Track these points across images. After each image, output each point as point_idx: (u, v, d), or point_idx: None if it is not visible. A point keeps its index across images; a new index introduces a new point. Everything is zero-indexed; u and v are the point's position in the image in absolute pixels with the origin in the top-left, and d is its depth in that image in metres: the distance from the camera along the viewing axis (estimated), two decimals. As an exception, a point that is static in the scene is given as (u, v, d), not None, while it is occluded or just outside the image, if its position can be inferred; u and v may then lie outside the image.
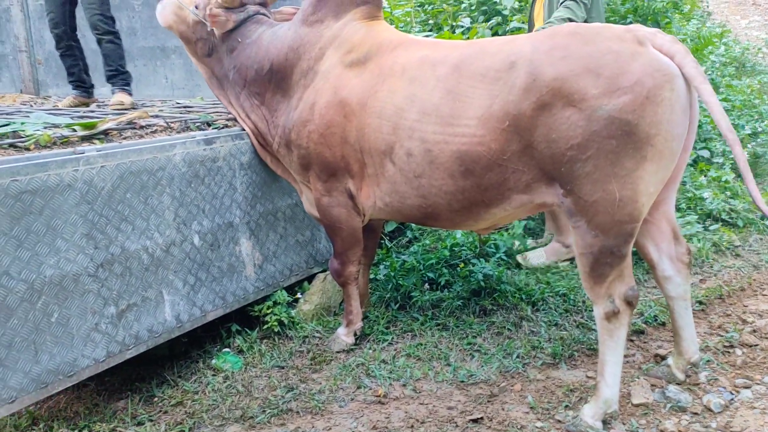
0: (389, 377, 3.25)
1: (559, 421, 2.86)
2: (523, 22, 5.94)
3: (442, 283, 4.09)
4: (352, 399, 3.12)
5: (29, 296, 2.59)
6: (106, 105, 4.80)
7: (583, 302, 3.89)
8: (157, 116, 3.83)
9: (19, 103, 5.70)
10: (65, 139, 3.03)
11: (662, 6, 7.05)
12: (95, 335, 2.85)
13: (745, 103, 7.01)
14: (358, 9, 3.26)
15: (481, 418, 2.90)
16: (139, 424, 2.99)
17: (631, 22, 6.36)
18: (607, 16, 6.63)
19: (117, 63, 4.65)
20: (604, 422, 2.76)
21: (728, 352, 3.37)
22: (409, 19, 6.74)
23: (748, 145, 6.29)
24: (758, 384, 3.05)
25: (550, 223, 4.66)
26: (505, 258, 4.34)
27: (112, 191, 2.89)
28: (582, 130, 2.49)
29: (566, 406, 2.95)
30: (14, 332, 2.55)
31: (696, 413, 2.87)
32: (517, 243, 4.51)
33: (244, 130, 3.62)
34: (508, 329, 3.67)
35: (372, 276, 4.08)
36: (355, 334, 3.57)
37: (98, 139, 3.15)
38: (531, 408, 2.97)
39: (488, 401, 3.04)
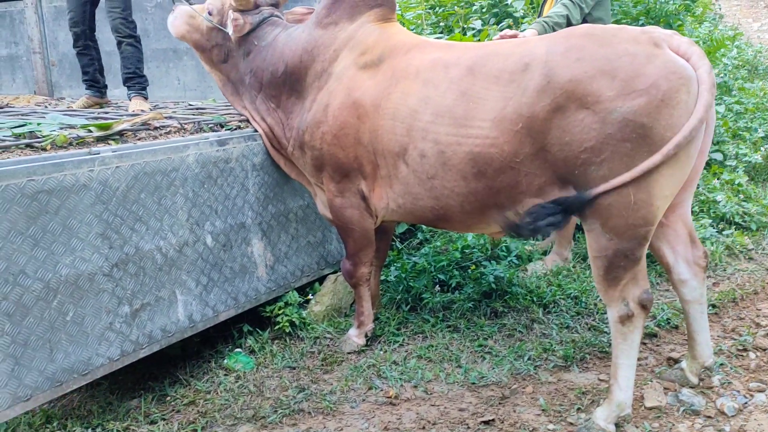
0: (400, 378, 3.25)
1: (572, 424, 2.85)
2: (534, 24, 5.92)
3: (453, 285, 4.09)
4: (364, 400, 3.12)
5: (45, 295, 2.61)
6: (120, 107, 4.84)
7: (595, 305, 3.88)
8: (170, 117, 3.85)
9: (33, 104, 5.75)
10: (81, 140, 3.06)
11: (674, 8, 7.02)
12: (109, 334, 2.87)
13: (758, 106, 6.96)
14: (372, 11, 3.27)
15: (493, 420, 2.90)
16: (152, 422, 3.01)
17: (643, 24, 6.34)
18: (619, 18, 6.61)
19: (135, 66, 4.70)
20: (617, 425, 2.75)
21: (742, 355, 3.36)
22: (420, 22, 6.75)
23: (761, 148, 6.24)
24: (772, 388, 3.03)
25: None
26: (516, 261, 4.33)
27: (126, 191, 2.91)
28: (596, 133, 2.48)
29: (578, 409, 2.95)
30: (30, 331, 2.57)
31: (709, 417, 2.86)
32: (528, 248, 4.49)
33: (256, 131, 3.63)
34: (520, 331, 3.66)
35: (383, 277, 4.08)
36: (366, 336, 3.58)
37: (113, 139, 3.17)
38: (543, 410, 2.96)
39: (500, 403, 3.04)
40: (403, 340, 3.63)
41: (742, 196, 5.24)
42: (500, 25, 6.38)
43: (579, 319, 3.77)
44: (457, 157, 2.81)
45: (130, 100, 4.68)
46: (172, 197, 3.12)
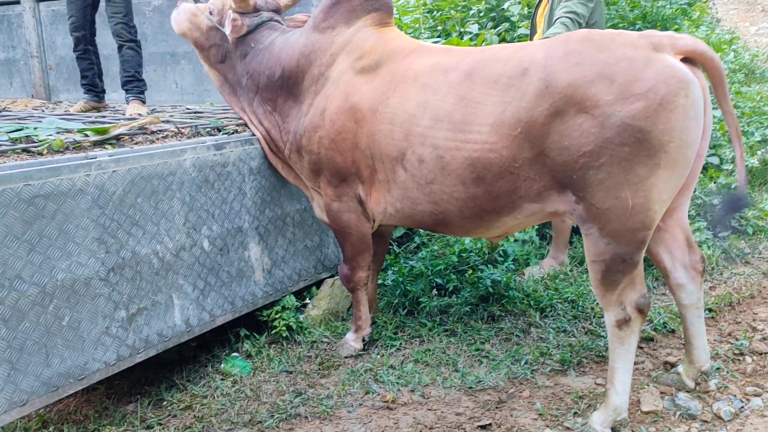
0: (397, 383, 3.25)
1: (568, 428, 2.85)
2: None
3: (450, 289, 4.09)
4: (361, 404, 3.12)
5: (41, 300, 2.61)
6: (118, 111, 4.84)
7: (592, 308, 3.88)
8: (167, 121, 3.85)
9: (30, 108, 5.75)
10: (77, 144, 3.06)
11: (671, 12, 7.05)
12: (106, 339, 2.86)
13: (754, 110, 6.97)
14: (370, 16, 3.27)
15: (490, 424, 2.90)
16: (149, 427, 3.01)
17: (640, 28, 6.36)
18: (616, 22, 6.64)
19: (135, 70, 4.73)
20: (614, 429, 2.75)
21: (738, 359, 3.36)
22: (417, 26, 6.76)
23: (758, 152, 6.25)
24: (769, 392, 3.03)
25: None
26: (513, 265, 4.34)
27: (123, 196, 2.91)
28: (595, 137, 2.48)
29: (575, 413, 2.94)
30: (26, 336, 2.57)
31: (706, 421, 2.86)
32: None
33: (254, 135, 3.63)
34: (517, 335, 3.66)
35: (380, 281, 4.08)
36: (363, 340, 3.58)
37: (110, 144, 3.17)
38: (539, 414, 2.96)
39: (497, 407, 3.04)
40: (401, 344, 3.63)
41: (738, 200, 5.24)
42: (497, 29, 6.39)
43: (576, 323, 3.77)
44: (456, 162, 2.81)
45: (128, 103, 4.69)
46: (169, 201, 3.12)
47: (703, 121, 2.55)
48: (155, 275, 3.07)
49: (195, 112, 4.65)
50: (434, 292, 4.12)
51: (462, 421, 2.93)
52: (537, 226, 4.87)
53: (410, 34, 6.38)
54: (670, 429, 2.80)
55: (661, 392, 3.06)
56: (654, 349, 3.51)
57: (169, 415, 3.12)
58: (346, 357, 3.52)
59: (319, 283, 4.07)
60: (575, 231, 4.77)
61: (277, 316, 3.70)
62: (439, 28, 6.83)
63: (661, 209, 2.60)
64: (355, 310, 3.58)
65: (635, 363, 3.10)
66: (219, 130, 3.71)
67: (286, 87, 3.42)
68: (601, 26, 4.40)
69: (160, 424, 3.03)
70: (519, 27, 6.26)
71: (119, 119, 4.04)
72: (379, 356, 3.50)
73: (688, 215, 4.85)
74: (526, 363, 3.37)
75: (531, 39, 4.77)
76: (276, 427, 2.97)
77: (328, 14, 3.32)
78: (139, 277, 2.99)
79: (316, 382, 3.31)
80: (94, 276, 2.80)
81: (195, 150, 3.26)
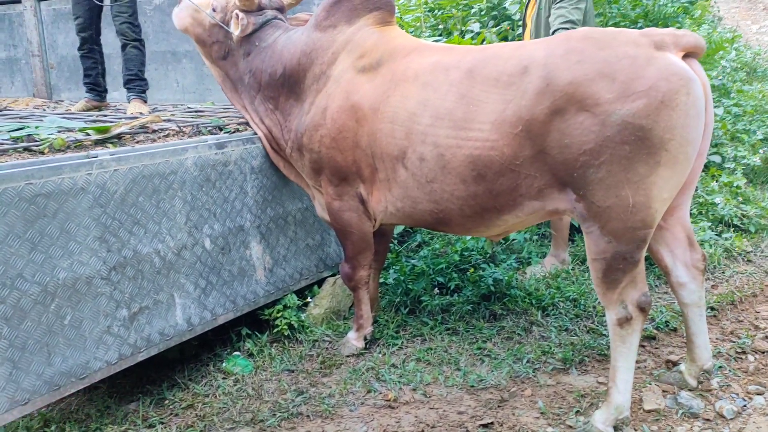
0: (399, 381, 3.25)
1: (570, 427, 2.85)
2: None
3: (452, 288, 4.09)
4: (363, 403, 3.12)
5: (43, 299, 2.61)
6: (119, 110, 4.84)
7: (594, 307, 3.88)
8: (169, 120, 3.85)
9: (32, 107, 5.75)
10: (79, 143, 3.06)
11: (673, 11, 7.03)
12: (107, 338, 2.86)
13: (756, 108, 6.97)
14: (371, 14, 3.27)
15: (492, 423, 2.90)
16: (150, 426, 3.01)
17: (642, 27, 6.35)
18: (618, 21, 6.62)
19: (138, 69, 4.73)
20: (616, 428, 2.75)
21: (741, 358, 3.35)
22: (418, 24, 6.76)
23: (760, 150, 6.25)
24: (771, 391, 3.03)
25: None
26: (514, 263, 4.33)
27: (124, 195, 2.91)
28: (595, 136, 2.48)
29: (577, 412, 2.94)
30: (28, 335, 2.57)
31: (708, 420, 2.85)
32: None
33: (255, 134, 3.63)
34: (519, 334, 3.66)
35: (382, 280, 4.08)
36: (365, 339, 3.58)
37: (111, 143, 3.17)
38: (542, 413, 2.96)
39: (499, 406, 3.04)
40: (402, 343, 3.63)
41: (740, 199, 5.24)
42: (498, 28, 6.39)
43: (578, 321, 3.77)
44: (457, 161, 2.81)
45: (129, 102, 4.69)
46: (171, 200, 3.12)
47: (705, 119, 2.55)
48: (157, 274, 3.07)
49: (196, 111, 4.65)
50: (436, 290, 4.12)
51: (464, 420, 2.93)
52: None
53: (411, 32, 6.38)
54: (672, 428, 2.80)
55: (664, 391, 3.06)
56: (656, 348, 3.51)
57: (171, 413, 3.12)
58: (347, 356, 3.52)
59: (320, 282, 4.07)
60: (578, 229, 4.77)
61: (278, 315, 3.70)
62: (441, 26, 6.83)
63: (662, 208, 2.59)
64: (357, 309, 3.58)
65: (637, 361, 3.10)
66: (220, 129, 3.70)
67: (287, 85, 3.42)
68: (590, 26, 4.39)
69: (162, 423, 3.03)
70: (519, 26, 6.25)
71: (120, 118, 4.04)
72: (380, 355, 3.50)
73: (691, 214, 4.88)
74: (528, 362, 3.37)
75: (522, 36, 4.80)
76: (278, 425, 2.97)
77: (329, 13, 3.31)
78: (141, 276, 2.99)
79: (317, 381, 3.31)
80: (95, 275, 2.80)
81: (196, 149, 3.26)
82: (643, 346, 3.48)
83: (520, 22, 6.22)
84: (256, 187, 3.59)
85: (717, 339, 3.55)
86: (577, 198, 2.62)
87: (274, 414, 3.03)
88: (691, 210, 4.96)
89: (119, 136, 3.25)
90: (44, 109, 5.23)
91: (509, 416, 2.94)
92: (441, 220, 3.05)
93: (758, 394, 3.02)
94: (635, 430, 2.80)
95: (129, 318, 2.95)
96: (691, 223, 4.62)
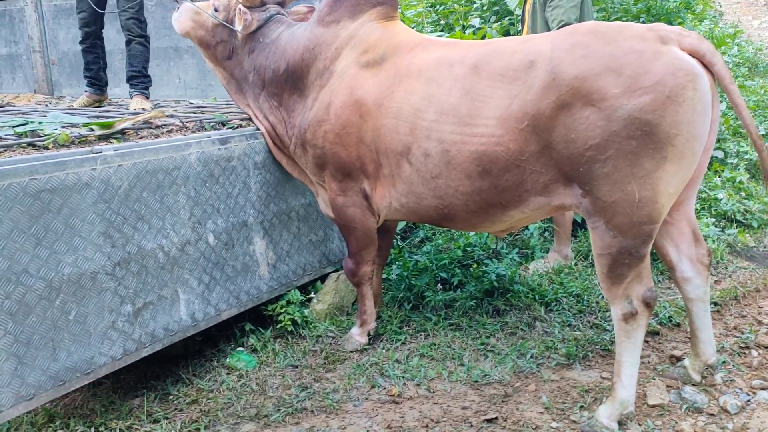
0: (403, 377, 3.25)
1: (575, 422, 2.85)
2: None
3: (455, 283, 4.09)
4: (367, 398, 3.12)
5: (48, 294, 2.61)
6: (121, 106, 4.84)
7: (597, 302, 3.88)
8: (172, 116, 3.85)
9: (33, 103, 5.74)
10: (83, 139, 3.06)
11: (675, 6, 7.02)
12: (112, 333, 2.86)
13: (758, 104, 6.96)
14: (374, 9, 3.26)
15: (496, 418, 2.90)
16: (155, 422, 3.01)
17: (644, 22, 6.34)
18: (620, 15, 6.61)
19: (142, 65, 4.71)
20: (620, 423, 2.75)
21: (744, 353, 3.36)
22: (420, 20, 6.75)
23: (763, 146, 6.23)
24: (775, 386, 3.03)
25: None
26: (517, 259, 4.33)
27: (128, 190, 2.91)
28: (601, 130, 2.47)
29: (581, 407, 2.95)
30: (33, 330, 2.57)
31: (712, 414, 2.86)
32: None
33: (258, 129, 3.63)
34: (522, 329, 3.66)
35: (385, 276, 4.08)
36: (368, 334, 3.58)
37: (115, 138, 3.17)
38: (546, 408, 2.96)
39: (502, 401, 3.04)
40: (406, 338, 3.63)
41: (743, 194, 5.24)
42: (499, 23, 6.38)
43: (581, 317, 3.77)
44: (462, 156, 2.80)
45: (132, 98, 4.68)
46: (174, 196, 3.12)
47: (711, 115, 2.54)
48: (161, 270, 3.07)
49: (199, 107, 4.65)
50: (439, 286, 4.12)
51: (468, 415, 2.93)
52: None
53: (413, 28, 6.36)
54: (676, 422, 2.80)
55: (668, 386, 3.06)
56: (660, 343, 3.51)
57: (176, 409, 3.13)
58: (351, 351, 3.52)
59: (323, 278, 4.07)
60: (581, 225, 4.77)
61: (282, 311, 3.70)
62: (442, 22, 6.82)
63: (668, 203, 2.59)
64: (360, 305, 3.58)
65: (641, 356, 3.10)
66: (223, 125, 3.70)
67: (291, 81, 3.41)
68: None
69: (167, 418, 3.03)
70: (520, 21, 6.24)
71: (123, 114, 4.03)
72: (384, 350, 3.51)
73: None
74: (531, 357, 3.37)
75: (521, 32, 4.81)
76: (282, 421, 2.97)
77: (332, 8, 3.31)
78: (145, 272, 2.99)
79: (321, 377, 3.31)
80: (100, 270, 2.80)
81: (200, 144, 3.25)
82: (646, 342, 3.48)
83: (521, 18, 6.23)
84: (259, 182, 3.58)
85: (720, 334, 3.55)
86: (582, 193, 2.62)
87: (279, 409, 3.03)
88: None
89: (123, 132, 3.24)
90: (46, 105, 5.22)
91: (513, 411, 2.94)
92: (446, 216, 3.05)
93: (762, 389, 3.02)
94: (639, 425, 2.80)
95: (133, 313, 2.95)
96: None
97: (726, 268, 4.41)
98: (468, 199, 2.90)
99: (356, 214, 3.32)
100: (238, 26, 3.51)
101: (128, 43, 4.70)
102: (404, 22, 6.37)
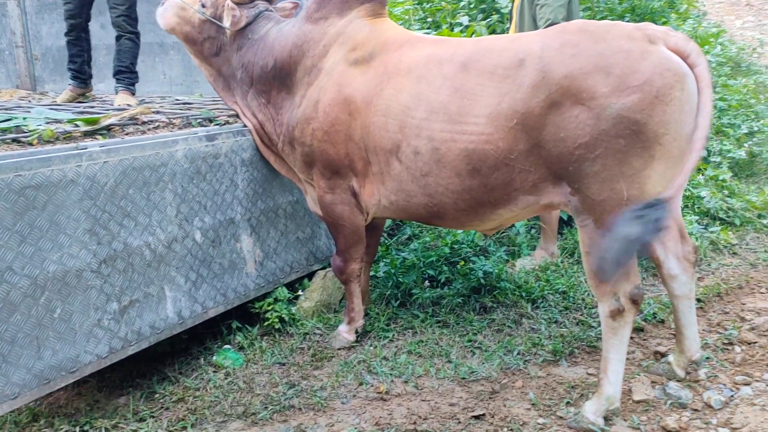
0: (391, 374, 3.26)
1: (561, 418, 2.87)
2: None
3: (442, 281, 4.10)
4: (354, 395, 3.12)
5: (32, 292, 2.58)
6: (106, 102, 4.78)
7: (583, 299, 3.91)
8: (158, 112, 3.82)
9: (16, 98, 5.67)
10: (68, 135, 3.02)
11: (659, 6, 7.08)
12: (98, 331, 2.84)
13: (741, 103, 7.04)
14: (363, 7, 3.25)
15: (483, 414, 2.91)
16: (141, 420, 2.99)
17: (628, 21, 6.38)
18: (605, 15, 6.65)
19: (130, 60, 4.65)
20: (606, 419, 2.78)
21: (727, 349, 3.40)
22: (407, 17, 6.74)
23: (745, 144, 6.32)
24: (758, 381, 3.07)
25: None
26: (504, 256, 4.35)
27: (114, 187, 2.88)
28: (590, 129, 2.49)
29: (567, 403, 2.97)
30: (17, 328, 2.54)
31: (696, 410, 2.89)
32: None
33: (246, 126, 3.61)
34: (509, 326, 3.68)
35: (372, 273, 4.08)
36: (356, 331, 3.58)
37: (101, 134, 3.14)
38: (532, 404, 2.98)
39: (490, 398, 3.05)
40: (393, 335, 3.64)
41: (726, 192, 5.31)
42: (487, 20, 6.39)
43: (567, 313, 3.80)
44: (452, 154, 2.81)
45: (117, 93, 4.62)
46: (161, 193, 3.10)
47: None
48: (147, 267, 3.04)
49: (185, 103, 4.61)
50: (426, 283, 4.13)
51: (456, 412, 2.94)
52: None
53: (400, 25, 6.36)
54: (661, 418, 2.83)
55: (652, 382, 3.09)
56: (644, 339, 3.54)
57: (162, 407, 3.11)
58: (339, 349, 3.52)
59: (311, 275, 4.07)
60: (567, 222, 4.80)
61: (269, 308, 3.69)
62: (429, 19, 6.82)
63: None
64: (348, 302, 3.57)
65: (626, 353, 3.13)
66: (210, 121, 3.68)
67: (279, 78, 3.39)
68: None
69: (153, 417, 3.01)
70: (509, 19, 6.26)
71: (109, 109, 3.99)
72: (372, 348, 3.51)
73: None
74: (518, 354, 3.39)
75: (509, 29, 4.83)
76: (270, 418, 2.96)
77: (320, 5, 3.29)
78: (131, 269, 2.97)
79: (309, 374, 3.31)
80: (85, 268, 2.77)
81: (187, 141, 3.23)
82: (631, 338, 3.51)
83: (509, 15, 6.25)
84: (246, 179, 3.57)
85: (704, 330, 3.59)
86: (572, 191, 2.64)
87: (266, 407, 3.03)
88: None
89: (108, 128, 3.22)
90: (29, 101, 5.16)
91: (500, 408, 2.96)
92: (435, 214, 3.05)
93: (745, 384, 3.06)
94: (625, 420, 2.83)
95: (119, 311, 2.92)
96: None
97: (709, 265, 4.46)
98: (457, 197, 2.90)
99: (345, 211, 3.32)
100: (227, 23, 3.48)
101: (118, 38, 4.63)
102: (391, 19, 6.38)
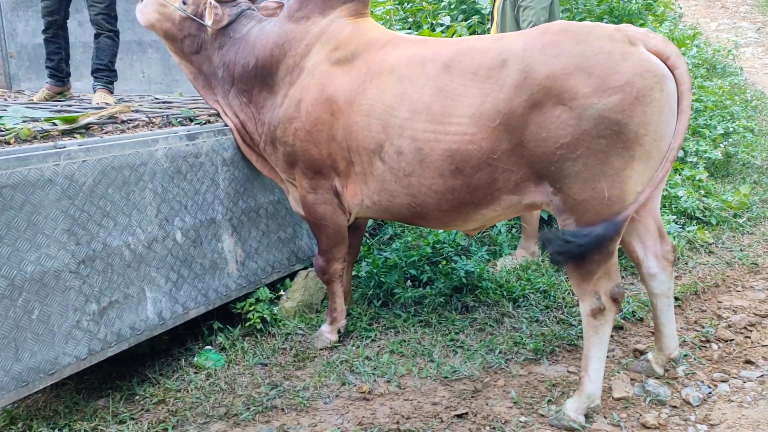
0: (373, 374, 3.26)
1: (543, 416, 2.89)
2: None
3: (424, 280, 4.11)
4: (337, 395, 3.11)
5: (9, 293, 2.54)
6: (83, 100, 4.72)
7: (563, 298, 3.94)
8: (138, 111, 3.78)
9: (-9, 96, 5.57)
10: (46, 133, 2.98)
11: (637, 8, 7.17)
12: (77, 332, 2.80)
13: (716, 104, 7.16)
14: (345, 6, 3.24)
15: (466, 413, 2.93)
16: (121, 422, 2.95)
17: (607, 23, 6.45)
18: (584, 16, 6.72)
19: (108, 59, 4.60)
20: (587, 416, 2.81)
21: (705, 346, 3.45)
22: (388, 17, 6.75)
23: (720, 145, 6.42)
24: (735, 378, 3.13)
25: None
26: (486, 256, 4.37)
27: (93, 186, 2.84)
28: (572, 129, 2.51)
29: (549, 401, 2.99)
30: (-6, 330, 2.50)
31: (675, 407, 2.93)
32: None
33: (227, 125, 3.58)
34: (490, 325, 3.70)
35: (354, 273, 4.07)
36: (338, 331, 3.57)
37: (79, 133, 3.10)
38: (514, 403, 3.00)
39: (472, 396, 3.07)
40: (376, 335, 3.64)
41: (702, 192, 5.39)
42: (468, 21, 6.42)
43: (548, 312, 3.83)
44: (435, 154, 2.82)
45: (95, 92, 4.57)
46: (141, 192, 3.06)
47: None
48: (127, 267, 3.01)
49: (164, 102, 4.57)
50: (408, 283, 4.13)
51: (438, 411, 2.95)
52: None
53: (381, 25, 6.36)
54: (641, 415, 2.86)
55: (632, 379, 3.13)
56: (624, 337, 3.58)
57: (142, 409, 3.07)
58: (321, 349, 3.51)
59: (292, 275, 4.05)
60: (547, 222, 4.83)
61: (251, 309, 3.67)
62: (410, 20, 6.83)
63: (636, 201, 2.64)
64: (331, 302, 3.57)
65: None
66: (191, 121, 3.64)
67: (260, 78, 3.37)
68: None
69: (133, 419, 2.98)
70: (489, 20, 6.30)
71: (87, 108, 3.94)
72: (354, 348, 3.50)
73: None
74: (500, 352, 3.41)
75: (490, 29, 4.86)
76: (252, 419, 2.95)
77: (302, 4, 3.28)
78: (111, 270, 2.93)
79: (291, 374, 3.29)
80: (64, 268, 2.73)
81: (167, 140, 3.20)
82: (611, 336, 3.52)
83: (490, 16, 6.28)
84: (227, 179, 3.54)
85: (682, 328, 3.64)
86: (553, 191, 2.66)
87: (248, 408, 3.01)
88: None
89: (87, 127, 3.17)
90: (5, 99, 5.07)
91: (483, 406, 2.97)
92: (418, 214, 3.06)
93: (723, 381, 3.11)
94: (605, 417, 2.86)
95: (99, 312, 2.89)
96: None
97: (686, 263, 4.52)
98: (441, 197, 2.91)
99: (327, 211, 3.31)
100: (209, 21, 3.45)
101: (96, 36, 4.58)
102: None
